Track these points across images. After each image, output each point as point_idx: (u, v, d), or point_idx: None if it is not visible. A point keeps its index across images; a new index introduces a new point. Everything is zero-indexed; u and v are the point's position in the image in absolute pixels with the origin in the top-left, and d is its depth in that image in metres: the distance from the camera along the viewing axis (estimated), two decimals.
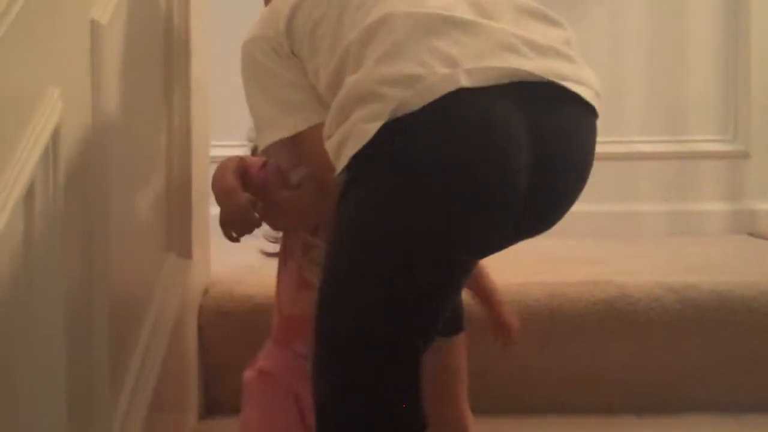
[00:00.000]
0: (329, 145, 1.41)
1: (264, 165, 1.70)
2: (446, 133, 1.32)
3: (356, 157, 1.34)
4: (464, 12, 1.42)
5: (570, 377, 2.09)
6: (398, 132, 1.32)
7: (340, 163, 1.37)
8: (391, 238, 1.34)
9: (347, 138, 1.35)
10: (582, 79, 1.44)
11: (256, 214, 1.59)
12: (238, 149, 2.26)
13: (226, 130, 2.50)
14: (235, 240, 1.63)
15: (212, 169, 2.24)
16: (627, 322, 2.08)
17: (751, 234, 3.21)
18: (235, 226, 1.61)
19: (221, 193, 1.66)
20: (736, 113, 3.32)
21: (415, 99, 1.32)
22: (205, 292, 2.19)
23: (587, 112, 1.44)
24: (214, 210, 2.27)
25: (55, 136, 1.34)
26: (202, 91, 2.18)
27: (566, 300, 2.09)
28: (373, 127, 1.32)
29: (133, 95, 1.78)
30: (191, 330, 2.11)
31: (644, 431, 2.01)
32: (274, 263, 1.78)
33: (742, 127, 3.31)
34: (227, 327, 2.12)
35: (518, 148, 1.34)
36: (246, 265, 2.36)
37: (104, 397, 1.57)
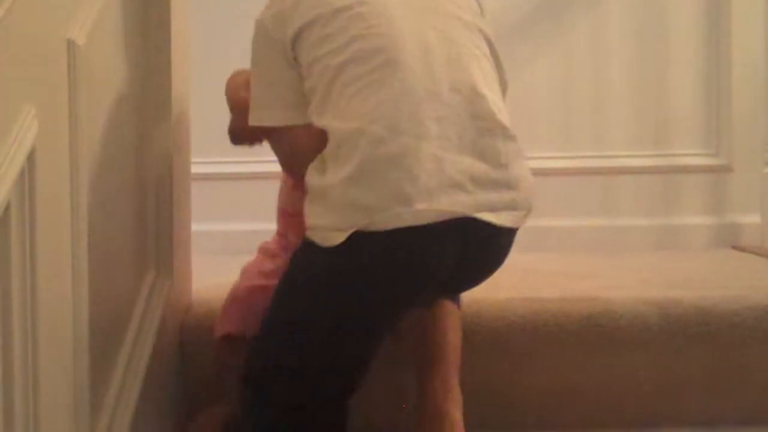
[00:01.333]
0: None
1: None
2: (388, 253, 1.65)
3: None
4: (428, 139, 1.66)
5: (553, 392, 2.08)
6: (357, 240, 1.62)
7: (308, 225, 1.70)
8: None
9: (315, 230, 1.68)
10: (514, 202, 1.74)
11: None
12: (219, 165, 2.27)
13: (207, 146, 2.51)
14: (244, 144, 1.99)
15: (194, 187, 2.25)
16: (610, 338, 2.07)
17: (734, 247, 3.22)
18: (245, 137, 1.96)
19: (235, 106, 1.95)
20: (718, 127, 3.34)
21: (372, 226, 1.62)
22: (187, 309, 2.17)
23: (510, 232, 1.77)
24: (196, 226, 2.29)
25: (31, 157, 1.33)
26: (183, 109, 2.17)
27: (550, 315, 2.09)
28: (339, 237, 1.63)
29: (111, 115, 1.77)
30: (173, 347, 2.10)
31: None
32: None
33: (724, 141, 3.33)
34: (210, 344, 2.10)
35: (439, 267, 1.71)
36: (228, 283, 2.35)
37: (84, 416, 1.55)
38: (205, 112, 2.39)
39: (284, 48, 1.75)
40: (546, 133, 3.31)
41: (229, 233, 2.21)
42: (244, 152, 2.15)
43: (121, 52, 1.84)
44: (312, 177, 1.71)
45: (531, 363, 2.08)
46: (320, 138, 1.70)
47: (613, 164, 3.31)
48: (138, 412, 1.81)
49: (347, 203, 1.63)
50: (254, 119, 1.80)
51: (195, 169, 2.29)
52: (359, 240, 1.63)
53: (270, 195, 2.19)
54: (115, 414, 1.73)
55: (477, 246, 1.73)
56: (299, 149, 1.77)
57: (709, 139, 3.36)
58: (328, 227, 1.66)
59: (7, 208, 1.28)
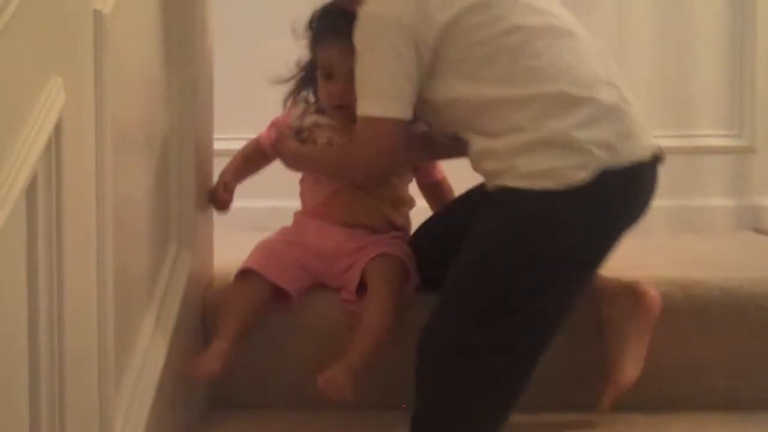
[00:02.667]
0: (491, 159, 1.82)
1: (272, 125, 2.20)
2: (631, 186, 1.85)
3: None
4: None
5: (575, 374, 2.07)
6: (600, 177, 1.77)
7: (519, 183, 1.77)
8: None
9: (547, 174, 1.76)
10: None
11: None
12: (242, 142, 2.26)
13: (230, 123, 2.50)
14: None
15: (216, 162, 2.25)
16: None
17: (756, 230, 3.19)
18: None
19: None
20: (741, 108, 3.31)
21: (617, 160, 1.79)
22: (209, 284, 2.17)
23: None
24: None
25: (58, 128, 1.32)
26: (207, 82, 2.17)
27: None
28: (583, 174, 1.75)
29: (137, 86, 1.77)
30: (195, 322, 2.10)
31: (650, 429, 1.99)
32: None
33: (747, 122, 3.30)
34: None
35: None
36: None
37: (110, 387, 1.55)
38: (227, 88, 2.38)
39: (421, 39, 1.83)
40: None
41: (251, 210, 2.20)
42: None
43: (146, 23, 1.83)
44: (514, 133, 1.80)
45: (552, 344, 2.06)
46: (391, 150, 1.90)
47: (695, 144, 3.29)
48: (161, 383, 1.81)
49: (584, 143, 1.77)
50: (363, 108, 1.87)
51: (217, 146, 2.28)
52: (603, 176, 1.76)
53: (293, 172, 2.19)
54: (137, 385, 1.74)
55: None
56: (395, 146, 1.89)
57: (732, 120, 3.33)
58: (565, 167, 1.75)
59: (34, 179, 1.27)
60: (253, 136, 2.25)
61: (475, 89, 1.84)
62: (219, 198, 2.17)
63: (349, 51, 1.95)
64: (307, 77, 2.19)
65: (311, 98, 2.21)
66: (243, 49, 2.70)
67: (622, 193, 1.82)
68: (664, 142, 3.24)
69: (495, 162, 1.82)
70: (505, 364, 1.77)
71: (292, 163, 2.15)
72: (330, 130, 2.14)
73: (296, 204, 2.22)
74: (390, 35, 1.83)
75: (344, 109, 2.08)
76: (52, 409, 1.33)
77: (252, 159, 2.24)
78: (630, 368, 1.95)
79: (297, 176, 2.20)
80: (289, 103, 2.21)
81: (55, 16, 1.36)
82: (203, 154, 2.13)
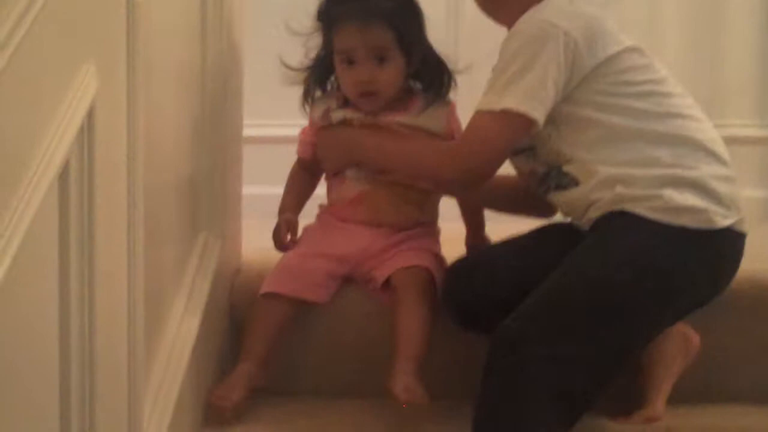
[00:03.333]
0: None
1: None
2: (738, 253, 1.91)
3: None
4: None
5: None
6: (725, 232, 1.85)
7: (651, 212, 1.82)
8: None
9: (690, 210, 1.82)
10: None
11: None
12: (270, 128, 2.27)
13: (259, 109, 2.50)
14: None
15: (245, 150, 2.25)
16: None
17: None
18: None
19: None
20: None
21: (740, 224, 1.88)
22: (237, 272, 2.18)
23: None
24: (246, 190, 2.29)
25: (91, 114, 1.33)
26: (237, 70, 2.17)
27: None
28: (725, 222, 1.84)
29: (168, 73, 1.77)
30: (223, 310, 2.10)
31: (677, 420, 1.98)
32: None
33: None
34: None
35: None
36: None
37: (139, 373, 1.56)
38: (256, 74, 2.38)
39: (578, 51, 1.85)
40: None
41: (275, 197, 2.20)
42: (298, 115, 2.14)
43: (179, 9, 1.84)
44: (656, 167, 1.85)
45: None
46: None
47: (728, 133, 3.27)
48: (189, 371, 1.82)
49: (724, 194, 1.85)
50: (501, 102, 1.84)
51: (247, 132, 2.29)
52: (726, 233, 1.84)
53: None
54: (166, 371, 1.75)
55: None
56: (509, 146, 1.90)
57: (764, 110, 3.31)
58: (711, 211, 1.82)
59: (66, 166, 1.28)
60: (282, 122, 2.23)
61: (610, 118, 1.87)
62: (283, 240, 2.10)
63: (369, 29, 1.95)
64: (322, 71, 2.11)
65: (331, 93, 2.13)
66: (273, 33, 2.69)
67: (736, 254, 1.89)
68: None
69: (631, 189, 1.83)
70: (584, 381, 1.77)
71: (372, 159, 2.04)
72: (362, 124, 2.09)
73: (320, 191, 2.20)
74: (556, 45, 1.83)
75: (372, 96, 2.04)
76: (82, 393, 1.34)
77: (302, 183, 2.17)
78: (662, 404, 1.98)
79: None
80: (307, 108, 2.14)
81: (88, 3, 1.36)
82: (233, 141, 2.13)
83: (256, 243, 2.23)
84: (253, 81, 2.33)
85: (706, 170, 1.85)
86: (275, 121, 2.27)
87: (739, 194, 1.89)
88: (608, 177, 1.85)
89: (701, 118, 1.93)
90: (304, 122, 2.17)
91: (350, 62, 2.03)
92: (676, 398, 2.01)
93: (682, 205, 1.81)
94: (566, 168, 1.90)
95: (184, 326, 1.85)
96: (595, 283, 1.79)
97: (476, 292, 1.96)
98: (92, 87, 1.34)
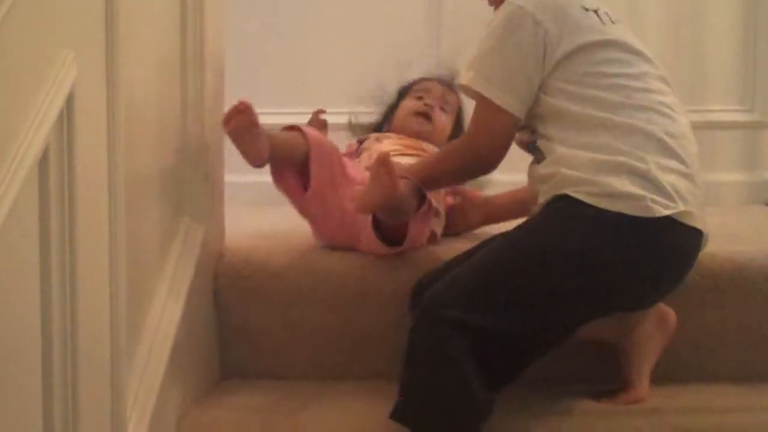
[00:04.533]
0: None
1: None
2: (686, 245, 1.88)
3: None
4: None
5: (585, 347, 2.07)
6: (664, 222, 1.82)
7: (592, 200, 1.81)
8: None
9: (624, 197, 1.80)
10: None
11: None
12: (278, 117, 2.26)
13: (244, 96, 2.50)
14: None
15: (227, 137, 2.25)
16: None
17: None
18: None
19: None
20: (754, 84, 3.28)
21: (683, 216, 1.83)
22: (221, 257, 2.18)
23: None
24: (228, 176, 2.28)
25: (70, 101, 1.34)
26: (217, 52, 2.16)
27: None
28: (664, 211, 1.81)
29: (147, 57, 1.77)
30: (207, 295, 2.11)
31: (660, 399, 1.99)
32: (288, 231, 2.29)
33: (760, 97, 3.28)
34: (244, 292, 2.13)
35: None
36: (260, 231, 2.36)
37: (122, 359, 1.57)
38: (244, 61, 2.38)
39: (548, 40, 1.92)
40: None
41: (261, 184, 2.20)
42: (279, 102, 2.15)
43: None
44: (600, 152, 1.86)
45: None
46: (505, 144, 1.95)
47: (708, 119, 3.27)
48: (172, 357, 1.83)
49: (667, 185, 1.83)
50: (477, 85, 1.95)
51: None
52: (667, 222, 1.81)
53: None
54: (150, 357, 1.75)
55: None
56: (499, 140, 1.95)
57: (745, 95, 3.32)
58: (648, 198, 1.80)
59: (45, 151, 1.28)
60: (266, 111, 2.22)
61: (577, 106, 1.91)
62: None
63: (449, 90, 2.42)
64: (388, 115, 2.49)
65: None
66: (280, 24, 2.71)
67: (683, 247, 1.87)
68: None
69: (572, 171, 1.85)
70: (498, 353, 1.79)
71: (424, 185, 2.05)
72: (390, 142, 2.32)
73: None
74: (524, 31, 1.93)
75: (426, 119, 2.37)
76: (64, 380, 1.36)
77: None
78: (645, 384, 1.99)
79: None
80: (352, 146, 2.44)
81: None
82: (215, 126, 2.13)
83: (236, 230, 2.24)
84: (236, 69, 2.33)
85: (653, 160, 1.85)
86: (258, 109, 2.26)
87: (693, 191, 1.87)
88: (559, 157, 1.89)
89: (674, 115, 1.94)
90: (286, 111, 2.21)
91: (419, 98, 2.42)
92: (659, 377, 2.02)
93: (618, 191, 1.81)
94: (539, 143, 1.96)
95: (167, 312, 1.85)
96: (513, 260, 1.83)
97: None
98: (71, 73, 1.34)
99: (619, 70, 1.94)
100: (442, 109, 2.43)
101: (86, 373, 1.40)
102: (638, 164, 1.84)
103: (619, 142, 1.86)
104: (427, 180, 2.03)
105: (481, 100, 1.96)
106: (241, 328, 2.13)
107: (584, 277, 1.80)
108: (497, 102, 1.92)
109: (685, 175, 1.87)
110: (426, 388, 1.77)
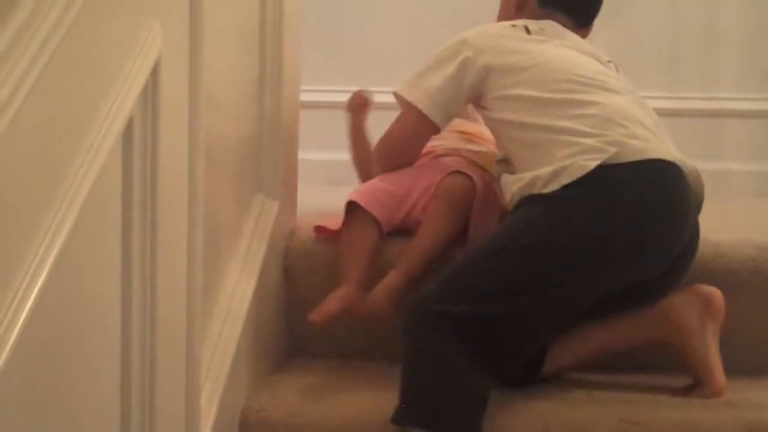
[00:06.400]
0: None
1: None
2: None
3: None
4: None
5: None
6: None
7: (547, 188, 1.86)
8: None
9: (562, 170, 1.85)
10: None
11: None
12: (327, 94, 2.26)
13: (316, 74, 2.50)
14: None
15: (302, 114, 2.25)
16: (719, 282, 2.01)
17: None
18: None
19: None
20: (766, 72, 3.24)
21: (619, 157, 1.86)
22: (292, 234, 2.18)
23: None
24: (302, 154, 2.29)
25: (155, 72, 1.34)
26: (295, 34, 2.16)
27: None
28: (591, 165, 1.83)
29: (228, 34, 1.77)
30: (278, 271, 2.11)
31: (733, 392, 1.96)
32: None
33: None
34: (314, 268, 2.13)
35: None
36: (331, 208, 2.36)
37: (196, 334, 1.57)
38: (314, 39, 2.38)
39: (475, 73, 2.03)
40: (652, 72, 3.23)
41: (335, 162, 2.20)
42: (354, 81, 2.14)
43: None
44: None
45: None
46: (420, 144, 2.14)
47: (720, 107, 3.24)
48: (244, 332, 1.83)
49: (598, 143, 1.88)
50: (406, 91, 2.07)
51: (304, 97, 2.29)
52: (611, 170, 1.85)
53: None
54: (221, 333, 1.76)
55: None
56: (407, 137, 2.12)
57: (758, 83, 3.26)
58: (581, 159, 1.86)
59: (130, 122, 1.29)
60: (338, 88, 2.23)
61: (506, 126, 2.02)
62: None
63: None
64: None
65: None
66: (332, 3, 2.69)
67: (628, 185, 1.86)
68: (750, 105, 3.26)
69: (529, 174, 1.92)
70: (487, 343, 1.81)
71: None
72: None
73: None
74: (456, 61, 2.03)
75: (462, 134, 2.30)
76: (142, 349, 1.37)
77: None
78: (719, 376, 1.92)
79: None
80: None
81: None
82: (291, 104, 2.13)
83: (309, 208, 2.24)
84: (310, 46, 2.33)
85: (574, 119, 1.92)
86: (330, 87, 2.26)
87: (636, 132, 1.90)
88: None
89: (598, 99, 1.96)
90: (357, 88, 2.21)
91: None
92: (731, 369, 1.97)
93: (559, 166, 1.85)
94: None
95: (239, 287, 1.86)
96: (492, 253, 1.86)
97: None
98: (157, 45, 1.34)
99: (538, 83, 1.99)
100: None
101: (163, 342, 1.41)
102: (572, 145, 1.88)
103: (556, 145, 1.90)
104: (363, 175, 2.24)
105: (399, 99, 2.08)
106: (311, 306, 2.12)
107: (558, 255, 1.82)
108: (409, 98, 2.04)
109: (624, 128, 1.90)
110: (425, 388, 1.78)
